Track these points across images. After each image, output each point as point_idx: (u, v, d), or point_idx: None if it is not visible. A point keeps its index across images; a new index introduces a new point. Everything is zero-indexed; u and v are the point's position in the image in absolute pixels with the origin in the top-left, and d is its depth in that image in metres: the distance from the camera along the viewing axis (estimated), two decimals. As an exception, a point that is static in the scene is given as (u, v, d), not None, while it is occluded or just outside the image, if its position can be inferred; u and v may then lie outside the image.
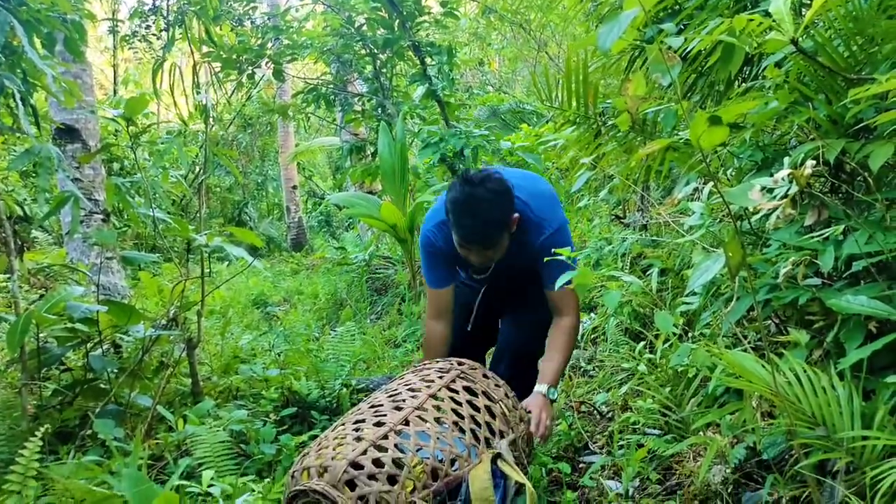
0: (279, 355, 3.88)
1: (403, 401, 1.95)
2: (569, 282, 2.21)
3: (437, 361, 2.27)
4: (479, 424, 1.97)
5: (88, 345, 2.67)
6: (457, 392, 2.04)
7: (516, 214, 2.24)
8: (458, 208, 2.18)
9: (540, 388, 2.31)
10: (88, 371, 2.63)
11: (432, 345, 2.54)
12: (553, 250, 2.04)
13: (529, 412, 2.21)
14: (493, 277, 2.51)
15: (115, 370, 2.65)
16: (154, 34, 7.85)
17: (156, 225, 2.77)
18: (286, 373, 3.26)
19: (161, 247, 3.43)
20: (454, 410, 1.95)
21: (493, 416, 2.04)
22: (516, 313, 2.72)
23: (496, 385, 2.18)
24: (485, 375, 2.20)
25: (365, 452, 1.70)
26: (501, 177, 2.21)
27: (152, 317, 2.92)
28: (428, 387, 2.03)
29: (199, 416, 2.55)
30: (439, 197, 2.48)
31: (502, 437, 1.99)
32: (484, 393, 2.09)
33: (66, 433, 2.55)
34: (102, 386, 2.67)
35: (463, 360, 2.24)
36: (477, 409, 2.01)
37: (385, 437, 1.76)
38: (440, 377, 2.09)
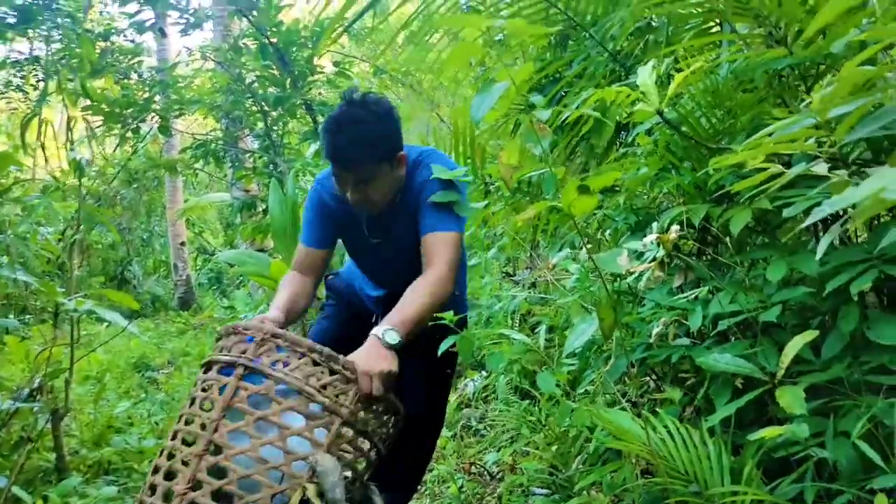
0: (157, 423, 3.67)
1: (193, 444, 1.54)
2: (447, 229, 1.97)
3: (227, 347, 1.66)
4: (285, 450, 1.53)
5: (-62, 420, 2.44)
6: (242, 418, 1.53)
7: (403, 152, 2.02)
8: (331, 126, 1.94)
9: (377, 330, 1.75)
10: (-64, 450, 2.40)
11: (290, 283, 2.14)
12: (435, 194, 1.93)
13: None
14: (391, 250, 2.14)
15: (-32, 448, 2.43)
16: (31, 84, 7.51)
17: (25, 286, 2.60)
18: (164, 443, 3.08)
19: (31, 308, 3.22)
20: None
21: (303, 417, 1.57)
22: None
23: (298, 355, 1.59)
24: (278, 347, 1.61)
25: None
26: (389, 103, 2.01)
27: (13, 386, 2.71)
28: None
29: (63, 495, 2.36)
30: None
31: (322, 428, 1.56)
32: (280, 392, 1.56)
33: None
34: (-48, 466, 2.44)
35: (255, 329, 1.63)
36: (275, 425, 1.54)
37: None
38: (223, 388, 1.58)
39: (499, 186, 3.35)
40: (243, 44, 6.08)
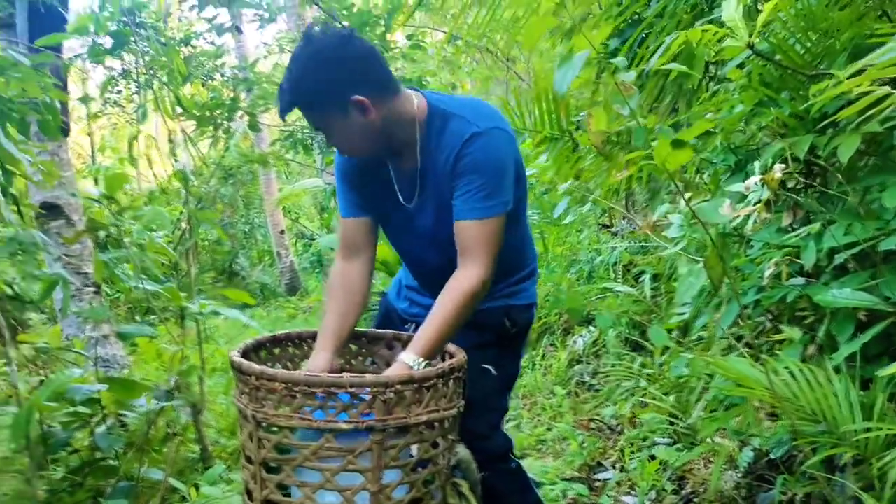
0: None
1: None
2: (482, 215, 1.60)
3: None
4: None
5: (93, 422, 2.67)
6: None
7: (361, 98, 1.58)
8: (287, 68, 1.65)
9: (406, 357, 1.56)
10: (95, 450, 2.63)
11: (335, 287, 1.82)
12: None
13: None
14: (430, 216, 1.76)
15: (122, 446, 2.65)
16: (126, 98, 7.92)
17: (148, 298, 2.79)
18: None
19: (154, 309, 3.44)
20: None
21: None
22: None
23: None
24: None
25: None
26: (345, 39, 1.61)
27: (153, 385, 2.91)
28: None
29: (211, 482, 2.54)
30: None
31: None
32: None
33: (81, 515, 2.54)
34: (112, 463, 2.66)
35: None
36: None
37: None
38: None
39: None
40: (317, 31, 6.18)
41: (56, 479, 2.62)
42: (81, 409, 2.55)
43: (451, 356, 1.60)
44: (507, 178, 1.65)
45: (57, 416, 2.59)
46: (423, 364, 1.53)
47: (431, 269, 1.85)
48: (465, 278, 1.62)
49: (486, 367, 1.79)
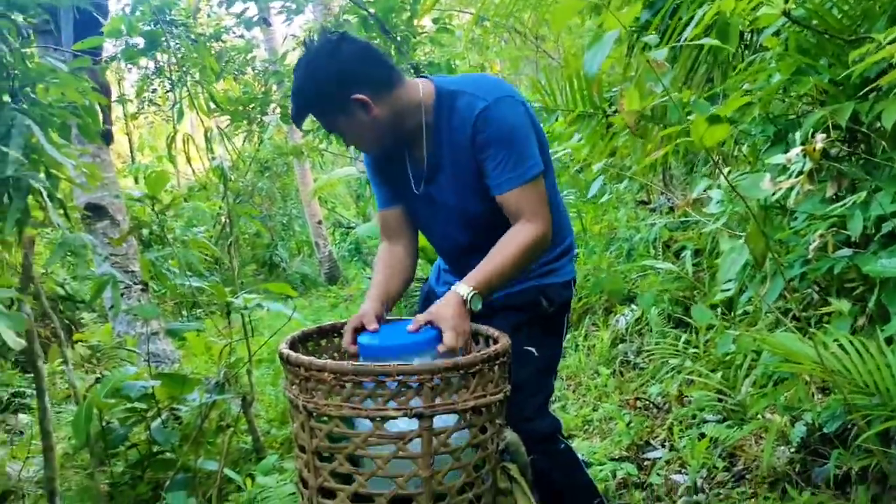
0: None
1: None
2: (522, 180, 1.63)
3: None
4: None
5: (149, 416, 2.75)
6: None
7: (362, 96, 1.62)
8: None
9: (458, 287, 1.58)
10: (153, 444, 2.71)
11: (382, 263, 1.91)
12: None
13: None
14: (441, 204, 1.82)
15: (178, 439, 2.72)
16: (161, 97, 8.03)
17: (194, 293, 2.86)
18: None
19: (201, 303, 3.52)
20: None
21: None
22: None
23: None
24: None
25: None
26: (338, 41, 1.65)
27: (203, 379, 2.98)
28: None
29: (265, 472, 2.60)
30: None
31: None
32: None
33: (142, 507, 2.63)
34: (169, 456, 2.74)
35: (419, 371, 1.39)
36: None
37: None
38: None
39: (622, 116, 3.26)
40: (344, 20, 6.18)
41: (117, 473, 2.72)
42: (137, 404, 2.63)
43: (495, 341, 1.61)
44: (529, 141, 1.67)
45: (115, 413, 2.68)
46: (474, 294, 1.56)
47: (459, 248, 1.88)
48: (524, 228, 1.65)
49: (528, 348, 1.80)
